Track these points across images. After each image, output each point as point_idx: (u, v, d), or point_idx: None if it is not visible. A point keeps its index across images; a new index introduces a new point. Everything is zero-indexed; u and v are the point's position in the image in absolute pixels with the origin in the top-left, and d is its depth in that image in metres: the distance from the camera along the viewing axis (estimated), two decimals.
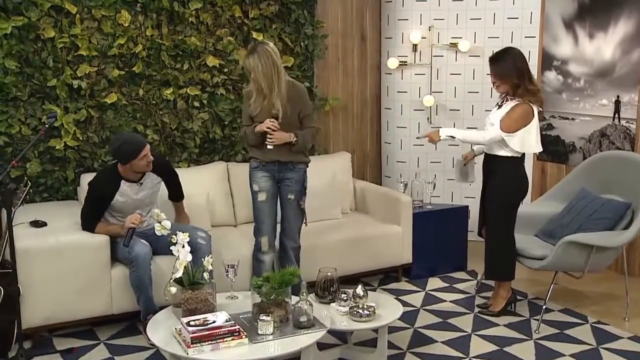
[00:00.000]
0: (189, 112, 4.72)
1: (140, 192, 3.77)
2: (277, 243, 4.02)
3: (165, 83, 4.61)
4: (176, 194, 4.08)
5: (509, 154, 3.87)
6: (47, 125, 3.23)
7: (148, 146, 3.69)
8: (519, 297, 4.24)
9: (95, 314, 3.74)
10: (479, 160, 4.14)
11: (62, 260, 3.60)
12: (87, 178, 4.21)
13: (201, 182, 4.46)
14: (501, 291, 4.08)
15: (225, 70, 4.79)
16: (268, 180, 3.86)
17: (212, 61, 4.71)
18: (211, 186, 4.51)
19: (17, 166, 3.32)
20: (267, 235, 3.92)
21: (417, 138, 4.03)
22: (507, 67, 3.81)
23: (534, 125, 3.85)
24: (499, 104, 3.95)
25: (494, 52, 4.00)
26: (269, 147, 3.71)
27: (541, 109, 3.91)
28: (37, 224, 3.74)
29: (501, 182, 3.91)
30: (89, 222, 3.72)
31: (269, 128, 3.66)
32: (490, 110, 4.06)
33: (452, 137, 3.95)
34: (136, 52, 4.45)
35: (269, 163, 3.84)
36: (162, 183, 3.94)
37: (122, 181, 3.71)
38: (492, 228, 3.99)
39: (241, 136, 4.04)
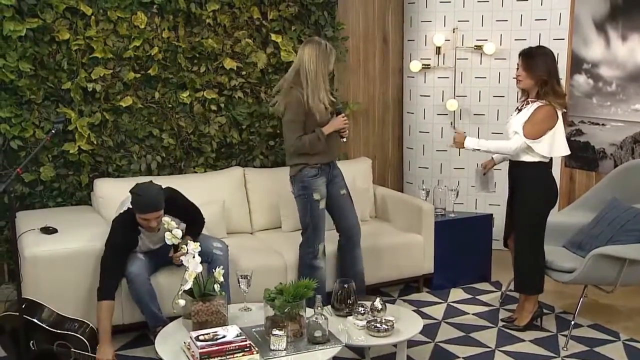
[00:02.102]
0: (205, 116, 4.63)
1: (156, 238, 3.55)
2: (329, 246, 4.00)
3: (182, 86, 4.52)
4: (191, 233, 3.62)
5: (536, 159, 3.70)
6: (53, 131, 3.14)
7: (157, 214, 3.36)
8: (545, 311, 4.05)
9: None
10: (503, 167, 3.98)
11: (71, 268, 3.51)
12: (101, 182, 4.17)
13: (217, 188, 4.37)
14: (527, 305, 3.90)
15: (243, 73, 4.69)
16: (325, 186, 3.85)
17: (229, 64, 4.61)
18: (227, 192, 4.41)
19: (22, 174, 3.22)
20: (324, 242, 3.88)
21: (449, 146, 3.96)
22: (538, 63, 3.65)
23: (560, 127, 3.69)
24: (519, 108, 3.79)
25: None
26: (344, 140, 3.82)
27: (565, 110, 3.73)
28: (48, 230, 3.66)
29: (529, 190, 3.74)
30: (106, 282, 3.40)
31: (345, 124, 3.75)
32: (511, 116, 3.90)
33: (477, 149, 3.81)
34: (152, 54, 4.36)
35: (326, 165, 3.83)
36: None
37: (140, 228, 3.48)
38: (520, 239, 3.82)
39: (300, 146, 3.69)
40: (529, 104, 3.72)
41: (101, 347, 3.28)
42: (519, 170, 3.78)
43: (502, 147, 3.78)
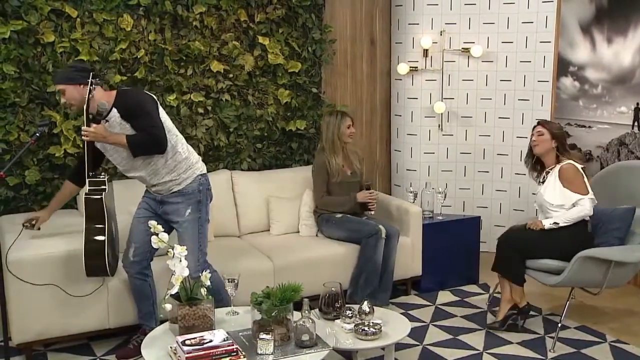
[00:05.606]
0: (192, 119, 4.60)
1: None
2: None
3: (169, 89, 4.50)
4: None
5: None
6: (37, 134, 3.11)
7: (57, 87, 3.26)
8: (533, 313, 4.05)
9: (91, 328, 3.60)
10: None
11: (55, 272, 3.45)
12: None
13: None
14: (514, 295, 3.88)
15: (230, 75, 4.68)
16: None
17: (216, 66, 4.59)
18: (215, 195, 4.34)
19: (5, 177, 3.18)
20: (379, 224, 4.18)
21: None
22: (557, 125, 3.95)
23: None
24: (541, 181, 3.93)
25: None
26: (371, 213, 4.36)
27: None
28: (31, 224, 3.54)
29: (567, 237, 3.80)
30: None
31: (371, 200, 4.31)
32: (542, 183, 3.95)
33: (556, 223, 3.79)
34: (138, 57, 4.34)
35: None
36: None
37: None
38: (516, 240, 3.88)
39: (323, 204, 4.38)
40: (549, 172, 3.88)
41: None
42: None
43: (577, 215, 3.77)
